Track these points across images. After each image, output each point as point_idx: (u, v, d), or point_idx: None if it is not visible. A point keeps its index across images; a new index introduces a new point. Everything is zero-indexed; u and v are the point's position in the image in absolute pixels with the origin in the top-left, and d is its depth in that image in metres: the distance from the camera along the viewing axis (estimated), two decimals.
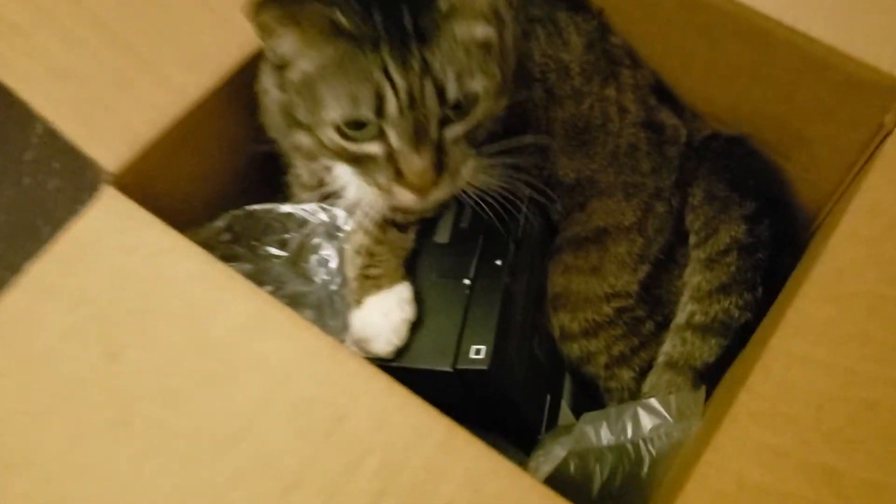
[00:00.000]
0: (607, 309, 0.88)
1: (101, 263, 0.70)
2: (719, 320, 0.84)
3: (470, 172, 0.73)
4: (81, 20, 0.79)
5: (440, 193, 0.71)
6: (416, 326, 0.76)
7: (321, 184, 0.83)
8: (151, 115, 0.76)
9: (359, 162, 0.71)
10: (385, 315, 0.75)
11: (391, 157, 0.69)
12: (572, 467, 0.77)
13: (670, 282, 0.91)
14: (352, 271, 0.79)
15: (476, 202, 0.76)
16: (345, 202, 0.83)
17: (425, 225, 0.82)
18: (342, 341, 0.79)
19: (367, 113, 0.66)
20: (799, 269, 0.78)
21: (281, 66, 0.71)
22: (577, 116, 0.90)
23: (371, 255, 0.79)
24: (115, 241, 0.71)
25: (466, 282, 0.77)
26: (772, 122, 0.92)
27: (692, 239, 0.91)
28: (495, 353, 0.73)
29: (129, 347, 0.66)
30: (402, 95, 0.65)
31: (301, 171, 0.87)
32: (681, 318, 0.87)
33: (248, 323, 0.67)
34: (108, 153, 0.75)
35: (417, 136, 0.67)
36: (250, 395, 0.64)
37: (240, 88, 0.79)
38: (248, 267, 0.85)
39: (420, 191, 0.70)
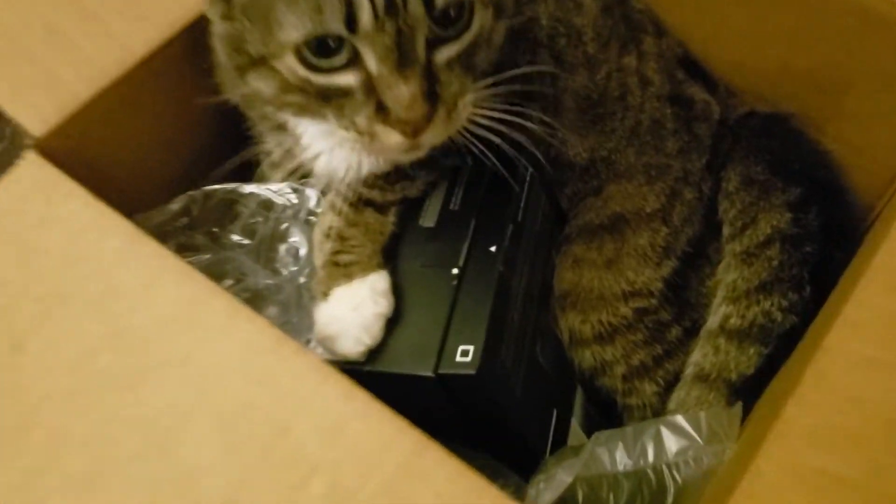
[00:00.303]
0: (625, 310, 0.75)
1: (12, 239, 0.59)
2: (759, 325, 0.72)
3: (469, 109, 0.60)
4: None
5: (435, 133, 0.58)
6: (393, 323, 0.64)
7: (291, 157, 0.71)
8: (87, 71, 0.65)
9: (330, 101, 0.58)
10: (355, 309, 0.63)
11: (370, 87, 0.56)
12: (580, 496, 0.65)
13: (700, 280, 0.79)
14: (319, 258, 0.68)
15: (474, 155, 0.63)
16: (316, 179, 0.71)
17: (409, 206, 0.70)
18: (308, 342, 0.67)
19: (334, 25, 0.53)
20: (857, 261, 0.66)
21: None
22: (590, 87, 0.78)
23: (342, 238, 0.67)
24: (31, 214, 0.60)
25: (454, 271, 0.65)
26: (820, 96, 0.79)
27: (726, 230, 0.78)
28: (485, 356, 0.61)
29: (36, 338, 0.55)
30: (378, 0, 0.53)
31: (270, 144, 0.75)
32: (713, 322, 0.75)
33: (177, 312, 0.55)
34: (34, 114, 0.64)
35: (401, 56, 0.54)
36: (172, 399, 0.52)
37: (195, 43, 0.68)
38: (207, 258, 0.74)
39: (410, 128, 0.56)
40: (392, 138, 0.57)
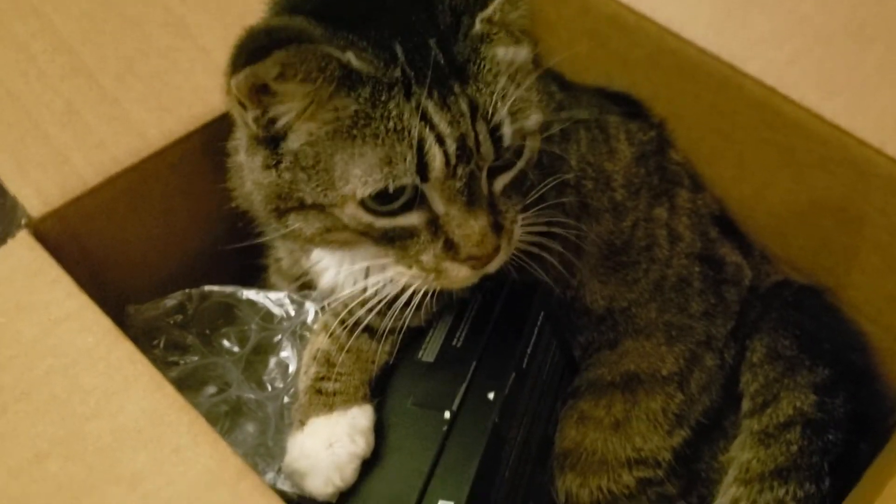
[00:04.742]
0: (628, 478, 0.70)
1: None
2: None
3: (519, 232, 0.58)
4: (41, 35, 0.67)
5: (499, 262, 0.57)
6: (371, 465, 0.59)
7: (299, 267, 0.68)
8: (98, 156, 0.64)
9: (393, 242, 0.56)
10: (330, 446, 0.58)
11: (436, 226, 0.54)
12: None
13: (713, 455, 0.73)
14: (303, 381, 0.63)
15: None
16: (319, 292, 0.67)
17: (411, 337, 0.66)
18: (278, 471, 0.62)
19: (406, 175, 0.51)
20: (885, 457, 0.60)
21: (271, 138, 0.54)
22: (614, 234, 0.74)
23: (330, 364, 0.63)
24: (9, 299, 0.57)
25: (446, 415, 0.60)
26: (863, 276, 0.75)
27: (746, 404, 0.73)
28: None
29: None
30: (451, 147, 0.51)
31: (282, 253, 0.72)
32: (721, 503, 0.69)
33: (139, 425, 0.52)
34: (35, 194, 0.62)
35: (471, 195, 0.53)
36: None
37: (214, 140, 0.66)
38: (194, 360, 0.71)
39: (481, 262, 0.55)
40: (461, 273, 0.56)
